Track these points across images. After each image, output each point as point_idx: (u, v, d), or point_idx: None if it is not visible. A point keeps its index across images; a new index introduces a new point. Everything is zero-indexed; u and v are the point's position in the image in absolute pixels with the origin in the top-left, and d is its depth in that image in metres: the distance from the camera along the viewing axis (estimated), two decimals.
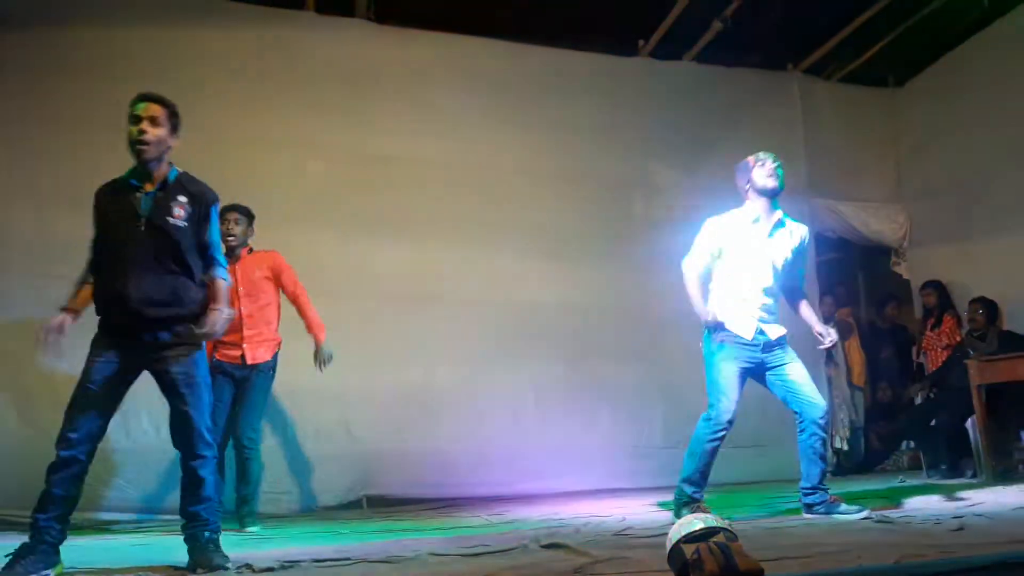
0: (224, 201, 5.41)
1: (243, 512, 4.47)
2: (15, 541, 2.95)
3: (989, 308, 5.96)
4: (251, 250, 4.73)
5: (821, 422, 3.84)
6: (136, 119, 3.07)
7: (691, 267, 4.08)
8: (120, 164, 5.27)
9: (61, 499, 2.95)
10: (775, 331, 3.93)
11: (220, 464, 4.28)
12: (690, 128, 6.81)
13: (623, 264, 6.37)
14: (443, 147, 6.11)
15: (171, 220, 3.06)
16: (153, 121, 3.07)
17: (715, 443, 3.85)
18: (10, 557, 2.84)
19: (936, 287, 6.53)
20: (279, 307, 4.73)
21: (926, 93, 7.26)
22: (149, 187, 3.10)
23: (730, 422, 3.82)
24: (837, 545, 2.75)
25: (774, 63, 7.20)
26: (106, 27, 5.49)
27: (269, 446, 5.27)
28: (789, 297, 4.15)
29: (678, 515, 3.70)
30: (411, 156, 5.99)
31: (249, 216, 4.70)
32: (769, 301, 3.95)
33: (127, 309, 2.99)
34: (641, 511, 4.47)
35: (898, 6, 6.37)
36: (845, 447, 6.80)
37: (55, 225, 5.14)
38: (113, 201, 3.13)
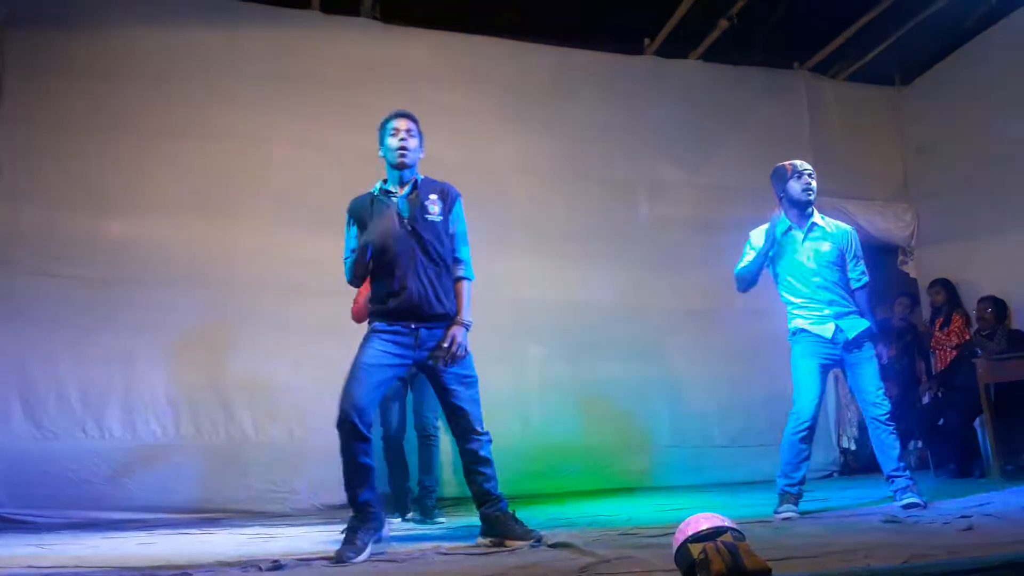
0: (220, 203, 5.43)
1: (429, 503, 4.54)
2: (22, 538, 2.95)
3: (998, 307, 5.93)
4: None
5: (883, 418, 3.97)
6: (395, 131, 3.41)
7: (738, 269, 4.19)
8: (125, 165, 5.35)
9: (365, 471, 3.23)
10: (854, 327, 4.02)
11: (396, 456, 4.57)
12: (696, 127, 6.80)
13: (628, 263, 6.36)
14: (448, 146, 6.06)
15: (428, 217, 3.37)
16: (409, 133, 3.42)
17: (797, 437, 3.97)
18: (345, 533, 3.11)
19: (944, 285, 6.49)
20: None
21: (933, 91, 7.22)
22: (400, 191, 3.40)
23: (813, 418, 3.96)
24: (845, 545, 2.73)
25: (780, 61, 7.17)
26: (112, 28, 5.51)
27: (276, 445, 5.28)
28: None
29: (777, 507, 3.92)
30: None
31: None
32: (836, 297, 4.04)
33: (409, 302, 3.27)
34: (648, 510, 4.45)
35: (904, 4, 6.32)
36: (852, 447, 6.76)
37: (61, 225, 5.18)
38: (373, 210, 3.38)
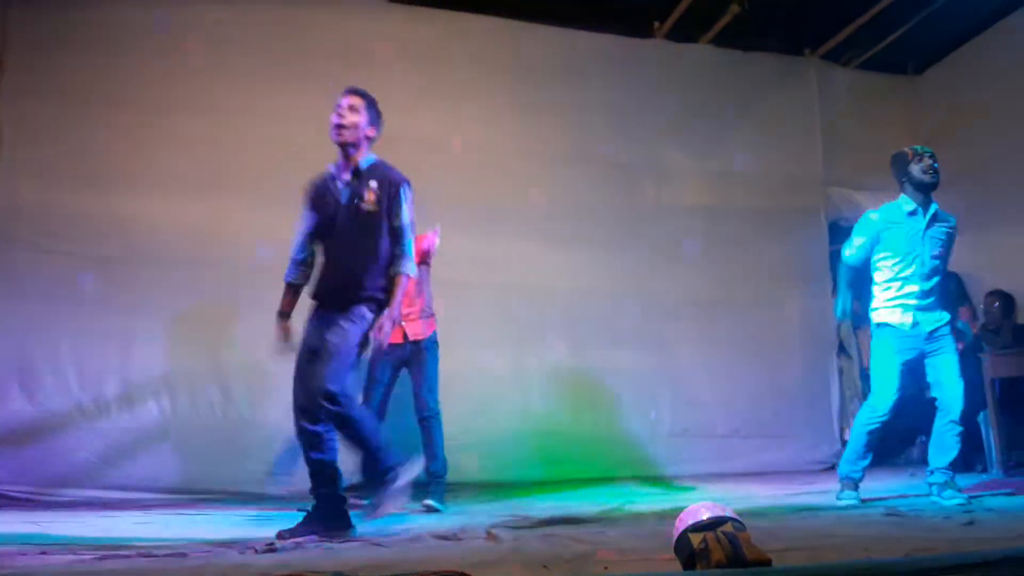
0: (221, 181, 5.34)
1: (434, 489, 4.39)
2: (18, 516, 2.94)
3: (1005, 301, 5.87)
4: None
5: (956, 417, 3.96)
6: (337, 107, 3.35)
7: (848, 257, 4.25)
8: (127, 140, 5.30)
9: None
10: (934, 320, 4.05)
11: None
12: (705, 113, 6.72)
13: (633, 249, 6.30)
14: (452, 128, 6.03)
15: (364, 206, 3.24)
16: (352, 108, 3.34)
17: (869, 428, 4.02)
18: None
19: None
20: (428, 284, 4.69)
21: (946, 81, 7.13)
22: (344, 176, 3.33)
23: (889, 413, 3.98)
24: (845, 537, 2.72)
25: (791, 48, 7.08)
26: (114, 2, 5.44)
27: (274, 427, 5.26)
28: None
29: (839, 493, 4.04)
30: (419, 137, 5.86)
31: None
32: (928, 288, 4.08)
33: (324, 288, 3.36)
34: (648, 499, 4.43)
35: None
36: None
37: (61, 201, 5.13)
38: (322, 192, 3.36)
